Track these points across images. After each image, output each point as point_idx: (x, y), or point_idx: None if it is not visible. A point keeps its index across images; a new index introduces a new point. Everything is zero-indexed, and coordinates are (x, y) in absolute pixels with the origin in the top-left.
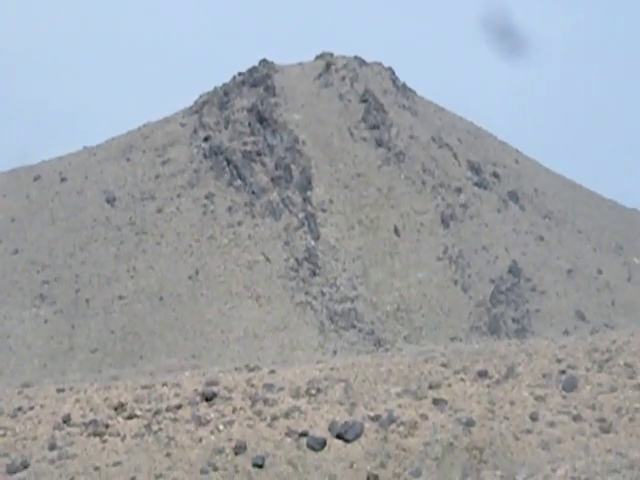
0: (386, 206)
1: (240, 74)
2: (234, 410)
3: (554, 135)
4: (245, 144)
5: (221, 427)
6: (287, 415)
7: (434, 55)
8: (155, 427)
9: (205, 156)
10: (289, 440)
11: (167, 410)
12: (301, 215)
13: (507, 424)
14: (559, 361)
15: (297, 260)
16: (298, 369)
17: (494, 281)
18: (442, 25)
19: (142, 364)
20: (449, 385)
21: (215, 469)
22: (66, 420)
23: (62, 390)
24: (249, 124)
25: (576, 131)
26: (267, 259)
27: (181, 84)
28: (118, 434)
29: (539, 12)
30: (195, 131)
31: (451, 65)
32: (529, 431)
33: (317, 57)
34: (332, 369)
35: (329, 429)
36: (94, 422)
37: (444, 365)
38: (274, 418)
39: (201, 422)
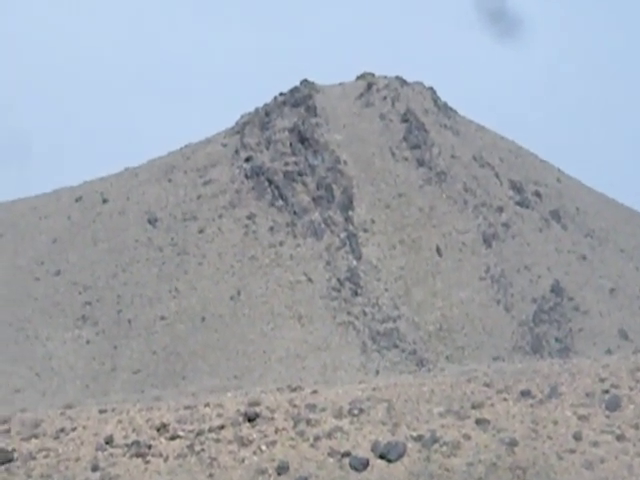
0: (428, 225)
1: (281, 94)
2: (276, 430)
3: (582, 144)
4: (286, 164)
5: (264, 447)
6: (329, 435)
7: (462, 65)
8: (198, 448)
9: (246, 176)
10: (332, 460)
11: (209, 431)
12: (343, 235)
13: (550, 444)
14: (602, 380)
15: (339, 280)
16: (340, 389)
17: (536, 300)
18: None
19: (184, 385)
20: (492, 405)
21: None
22: (108, 441)
23: (104, 411)
24: (290, 144)
25: (607, 139)
26: (309, 279)
27: (222, 104)
28: (160, 455)
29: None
30: (236, 151)
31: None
32: (572, 451)
33: (358, 77)
34: (374, 389)
35: (372, 449)
36: (136, 443)
37: (487, 385)
38: (317, 438)
39: (243, 442)
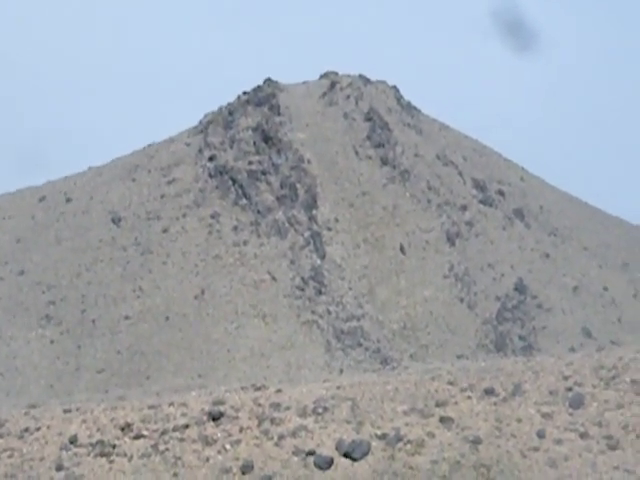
0: (392, 224)
1: (245, 93)
2: (241, 429)
3: (558, 149)
4: (250, 163)
5: (228, 447)
6: (294, 434)
7: (442, 61)
8: (162, 447)
9: (210, 175)
10: (296, 459)
11: (174, 430)
12: (307, 234)
13: (514, 442)
14: (566, 378)
15: (303, 279)
16: (305, 388)
17: (500, 299)
18: (450, 25)
19: (149, 384)
20: (456, 403)
21: None
22: (73, 441)
23: (69, 411)
24: (254, 143)
25: (578, 143)
26: (273, 278)
27: (186, 104)
28: (125, 454)
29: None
30: (200, 151)
31: (462, 64)
32: (536, 449)
33: (321, 76)
34: (339, 388)
35: (336, 448)
36: (101, 442)
37: (451, 383)
38: (281, 437)
39: (208, 442)
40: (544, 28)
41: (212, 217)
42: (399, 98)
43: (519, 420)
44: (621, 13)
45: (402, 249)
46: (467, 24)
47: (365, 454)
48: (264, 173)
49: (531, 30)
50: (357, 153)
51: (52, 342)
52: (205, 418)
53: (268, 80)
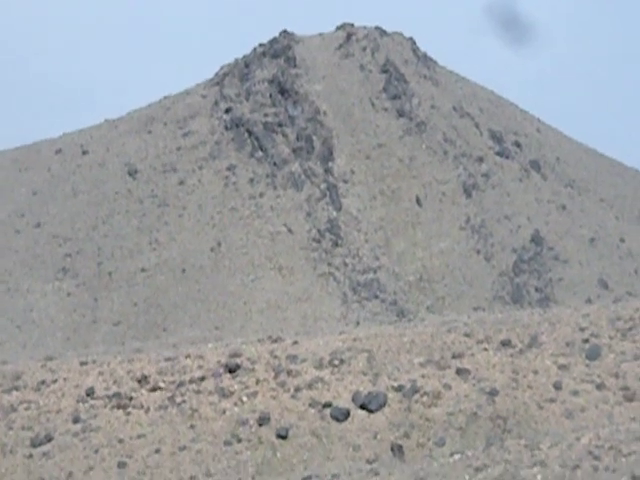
0: (408, 176)
1: (260, 45)
2: (257, 381)
3: (575, 103)
4: (266, 115)
5: (244, 399)
6: (310, 386)
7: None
8: (178, 399)
9: (226, 128)
10: (312, 411)
11: (190, 382)
12: (323, 186)
13: (531, 393)
14: (582, 330)
15: (319, 231)
16: (321, 340)
17: (516, 250)
18: (444, 20)
19: (165, 336)
20: (472, 355)
21: (239, 440)
22: (89, 393)
23: (85, 363)
24: (270, 95)
25: (595, 100)
26: (289, 230)
27: (201, 56)
28: (142, 406)
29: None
30: (216, 103)
31: (457, 59)
32: (552, 400)
33: (338, 28)
34: (355, 340)
35: (352, 400)
36: (117, 395)
37: (467, 335)
38: (297, 389)
39: (224, 394)
40: (538, 22)
41: (228, 169)
42: (415, 50)
43: (535, 372)
44: (615, 6)
45: (418, 201)
46: (461, 20)
47: (381, 406)
48: (280, 125)
49: (525, 24)
50: (373, 105)
51: (69, 295)
52: (222, 370)
53: (284, 32)
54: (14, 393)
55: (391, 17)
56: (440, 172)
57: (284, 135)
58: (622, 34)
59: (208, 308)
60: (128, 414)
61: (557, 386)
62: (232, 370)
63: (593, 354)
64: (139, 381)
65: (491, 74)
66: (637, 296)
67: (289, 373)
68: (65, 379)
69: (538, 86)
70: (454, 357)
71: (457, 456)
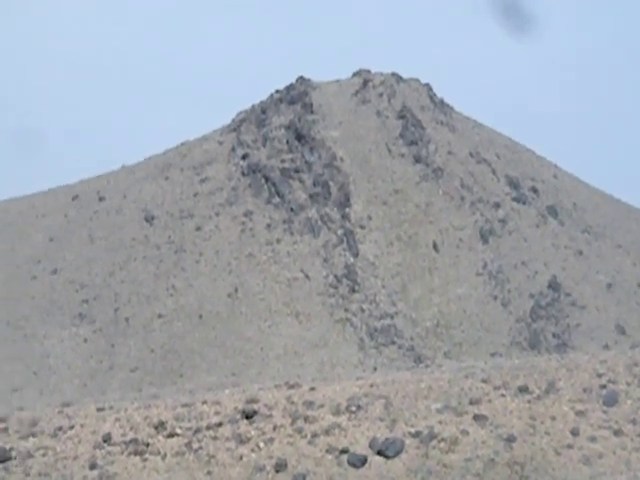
0: (425, 222)
1: (277, 92)
2: (274, 427)
3: (586, 143)
4: (283, 161)
5: (262, 445)
6: (327, 432)
7: (441, 46)
8: (196, 445)
9: (243, 174)
10: (330, 457)
11: (207, 428)
12: (340, 232)
13: (548, 439)
14: (600, 376)
15: (336, 277)
16: (338, 386)
17: (534, 296)
18: (448, 10)
19: (182, 382)
20: (489, 401)
21: None
22: (106, 439)
23: (102, 409)
24: (287, 141)
25: (605, 137)
26: (306, 276)
27: (219, 102)
28: (159, 453)
29: None
30: (233, 149)
31: (461, 49)
32: (570, 446)
33: (354, 74)
34: (372, 386)
35: (370, 446)
36: (134, 441)
37: (484, 381)
38: (314, 435)
39: (242, 440)
40: (540, 11)
41: (245, 215)
42: (432, 96)
43: (553, 418)
44: None
45: (435, 247)
46: (465, 8)
47: (399, 452)
48: (297, 171)
49: (528, 13)
50: (390, 151)
51: (85, 341)
52: (239, 416)
53: (300, 78)
54: (31, 439)
55: (407, 62)
56: (457, 218)
57: (301, 181)
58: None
59: (225, 354)
60: (145, 460)
61: (574, 432)
62: (249, 416)
63: (610, 400)
64: (156, 427)
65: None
66: None
67: (306, 419)
68: (82, 425)
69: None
70: (471, 403)
71: None
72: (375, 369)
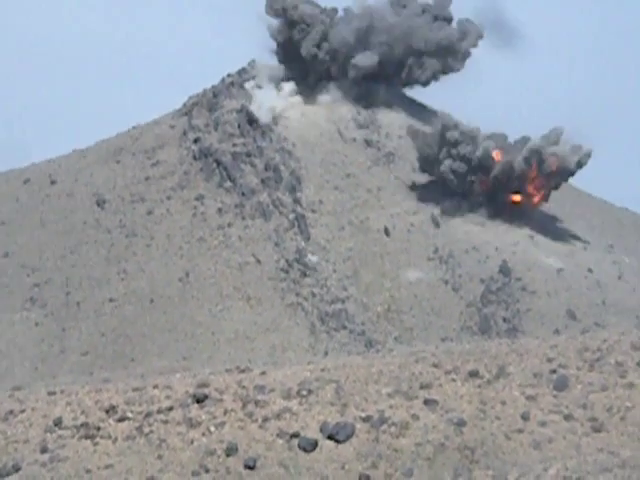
0: (376, 207)
1: (229, 75)
2: (225, 412)
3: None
4: (234, 145)
5: (212, 429)
6: (278, 416)
7: None
8: (146, 429)
9: (195, 158)
10: (280, 441)
11: (158, 412)
12: (291, 216)
13: (498, 424)
14: (550, 360)
15: (287, 261)
16: (289, 370)
17: (484, 281)
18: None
19: (133, 366)
20: (440, 385)
21: (206, 471)
22: (57, 423)
23: (53, 393)
24: (238, 126)
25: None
26: (257, 260)
27: (170, 86)
28: (109, 437)
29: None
30: (184, 133)
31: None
32: (520, 431)
33: None
34: (323, 370)
35: (320, 430)
36: (85, 425)
37: (435, 365)
38: (265, 419)
39: (192, 424)
40: (525, 26)
41: (196, 199)
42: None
43: (503, 402)
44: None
45: (386, 231)
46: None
47: (349, 436)
48: (248, 155)
49: (513, 28)
50: (341, 135)
51: (37, 324)
52: (189, 400)
53: (252, 62)
54: None
55: None
56: (408, 203)
57: (252, 165)
58: None
59: (176, 338)
60: (96, 444)
61: (525, 417)
62: (200, 400)
63: (561, 385)
64: (107, 411)
65: None
66: (605, 327)
67: (257, 403)
68: (33, 409)
69: None
70: (422, 388)
71: None
72: (326, 353)
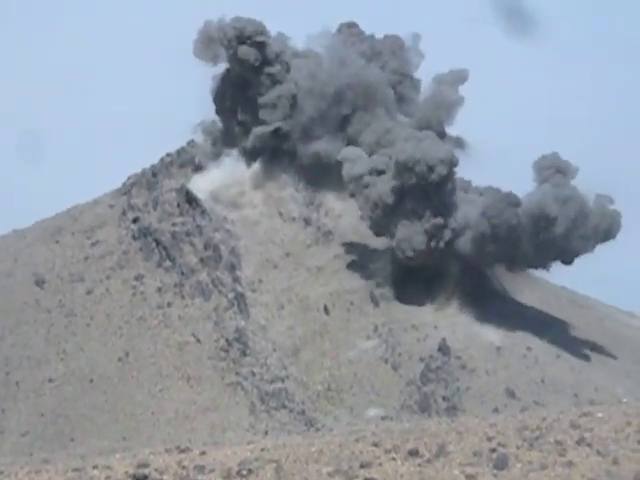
0: (315, 285)
1: (168, 155)
2: None
3: None
4: (174, 225)
5: None
6: None
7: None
8: None
9: (134, 237)
10: None
11: None
12: (231, 295)
13: None
14: (490, 439)
15: (227, 340)
16: (229, 450)
17: (424, 359)
18: (450, 13)
19: (73, 447)
20: (380, 464)
21: None
22: None
23: None
24: (178, 205)
25: None
26: (197, 340)
27: (109, 166)
28: None
29: None
30: (124, 212)
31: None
32: None
33: None
34: (263, 450)
35: None
36: None
37: (375, 444)
38: None
39: None
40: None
41: (136, 279)
42: None
43: None
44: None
45: (326, 310)
46: (467, 12)
47: None
48: (188, 234)
49: (530, 15)
50: (281, 214)
51: None
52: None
53: (191, 141)
54: None
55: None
56: (348, 281)
57: (192, 244)
58: None
59: (116, 418)
60: None
61: None
62: None
63: (501, 464)
64: None
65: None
66: (544, 405)
67: None
68: None
69: None
70: (362, 467)
71: None
72: (266, 433)
